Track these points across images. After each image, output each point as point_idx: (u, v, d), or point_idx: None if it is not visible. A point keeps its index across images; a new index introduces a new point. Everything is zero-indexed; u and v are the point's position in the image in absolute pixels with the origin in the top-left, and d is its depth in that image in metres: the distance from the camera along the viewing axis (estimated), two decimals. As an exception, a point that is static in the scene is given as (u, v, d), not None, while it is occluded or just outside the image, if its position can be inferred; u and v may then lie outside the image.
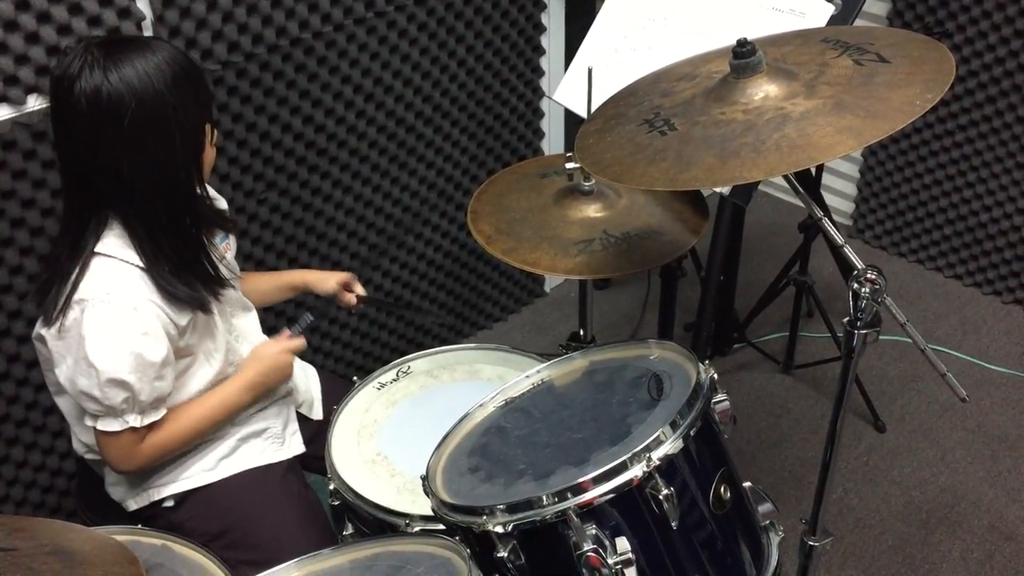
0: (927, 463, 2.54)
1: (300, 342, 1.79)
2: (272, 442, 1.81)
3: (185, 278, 1.56)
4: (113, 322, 1.47)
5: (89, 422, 1.56)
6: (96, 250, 1.50)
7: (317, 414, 1.95)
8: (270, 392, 1.79)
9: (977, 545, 2.32)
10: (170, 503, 1.71)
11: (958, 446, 2.58)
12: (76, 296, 1.48)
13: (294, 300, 2.44)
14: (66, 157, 1.51)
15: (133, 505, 1.71)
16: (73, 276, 1.49)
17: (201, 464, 1.72)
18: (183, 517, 1.71)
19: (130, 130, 1.44)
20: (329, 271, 1.99)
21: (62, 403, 1.69)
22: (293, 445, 1.85)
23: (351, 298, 1.95)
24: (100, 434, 1.56)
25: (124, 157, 1.46)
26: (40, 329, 1.55)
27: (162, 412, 1.58)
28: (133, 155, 1.46)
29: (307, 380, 1.96)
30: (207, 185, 1.63)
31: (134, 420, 1.54)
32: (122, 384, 1.49)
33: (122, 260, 1.51)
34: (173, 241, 1.55)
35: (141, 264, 1.52)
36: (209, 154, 1.59)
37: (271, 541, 1.68)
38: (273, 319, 2.43)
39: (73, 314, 1.48)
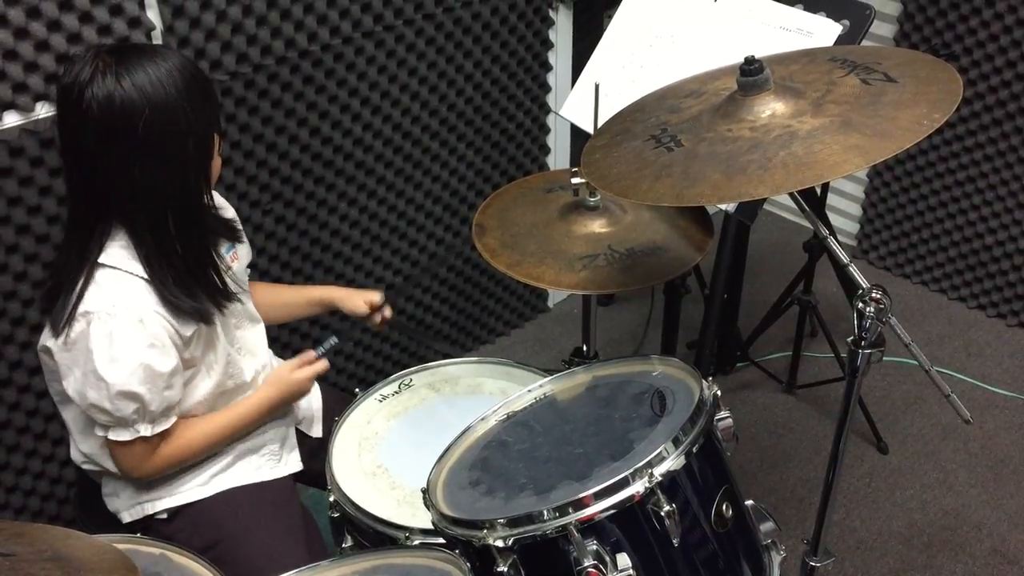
0: (929, 485, 2.53)
1: (323, 365, 1.80)
2: (268, 459, 1.80)
3: (189, 289, 1.56)
4: (120, 335, 1.47)
5: (100, 432, 1.55)
6: (100, 261, 1.50)
7: (316, 432, 1.94)
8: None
9: (979, 569, 2.30)
10: (163, 516, 1.71)
11: (961, 469, 2.57)
12: (81, 308, 1.48)
13: (323, 319, 2.45)
14: (74, 165, 1.51)
15: (127, 517, 1.71)
16: (78, 287, 1.49)
17: (196, 479, 1.71)
18: (174, 530, 1.70)
19: (143, 137, 1.43)
20: (357, 289, 1.95)
21: (66, 413, 1.68)
22: (290, 463, 1.85)
23: (378, 319, 1.93)
24: (111, 444, 1.55)
25: (136, 164, 1.45)
26: (46, 341, 1.55)
27: (172, 420, 1.58)
28: (145, 162, 1.46)
29: (309, 396, 1.95)
30: (214, 193, 1.63)
31: (144, 429, 1.53)
32: (132, 396, 1.49)
33: (126, 271, 1.51)
34: (180, 251, 1.54)
35: (145, 275, 1.51)
36: (215, 163, 1.59)
37: (258, 559, 1.67)
38: (287, 335, 2.43)
39: (79, 327, 1.47)
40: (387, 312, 1.95)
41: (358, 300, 1.92)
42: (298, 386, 1.76)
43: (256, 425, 1.73)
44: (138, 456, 1.57)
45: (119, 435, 1.53)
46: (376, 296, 1.93)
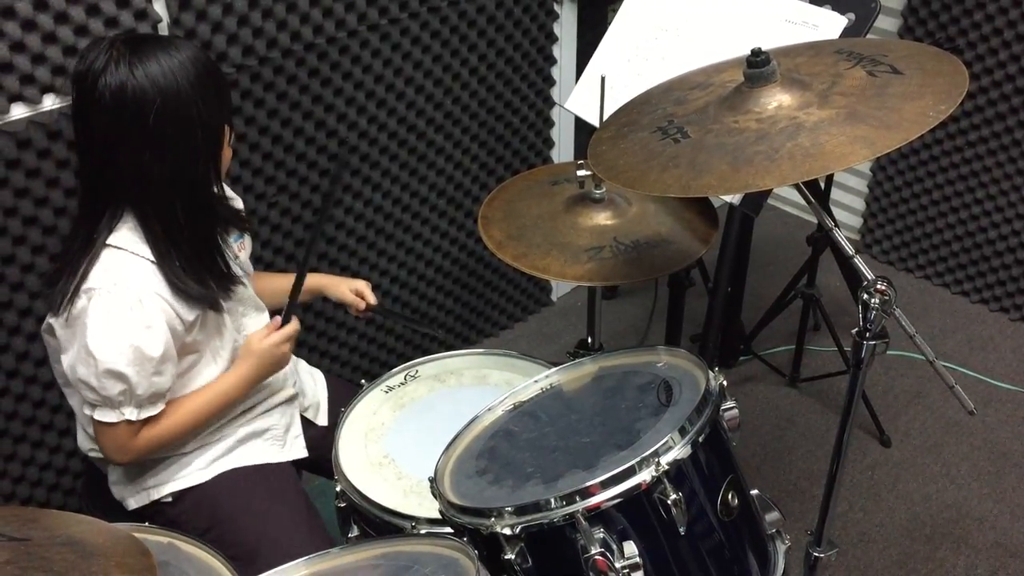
0: (932, 478, 2.54)
1: (294, 328, 1.73)
2: (272, 444, 1.81)
3: (197, 275, 1.57)
4: (116, 313, 1.48)
5: (87, 411, 1.56)
6: (108, 242, 1.51)
7: (322, 419, 1.95)
8: (265, 383, 1.77)
9: (982, 561, 2.31)
10: (168, 499, 1.72)
11: (963, 462, 2.58)
12: (85, 285, 1.49)
13: (315, 306, 2.46)
14: (86, 152, 1.52)
15: (133, 504, 1.72)
16: (83, 266, 1.50)
17: (200, 463, 1.72)
18: (177, 512, 1.72)
19: (154, 126, 1.45)
20: (343, 277, 1.99)
21: (72, 399, 1.69)
22: (294, 449, 1.85)
23: (361, 304, 1.95)
24: (96, 424, 1.56)
25: (146, 153, 1.47)
26: (49, 319, 1.56)
27: (160, 407, 1.58)
28: (155, 151, 1.47)
29: (314, 385, 1.96)
30: (224, 184, 1.63)
31: (130, 413, 1.54)
32: (119, 376, 1.49)
33: (133, 253, 1.52)
34: (189, 237, 1.55)
35: (152, 258, 1.52)
36: (226, 154, 1.60)
37: (257, 539, 1.68)
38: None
39: (80, 303, 1.49)
40: (370, 298, 1.95)
41: (343, 288, 1.95)
42: (270, 353, 1.70)
43: (236, 401, 1.71)
44: (120, 438, 1.57)
45: (105, 415, 1.53)
46: (361, 284, 1.95)
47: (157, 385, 1.55)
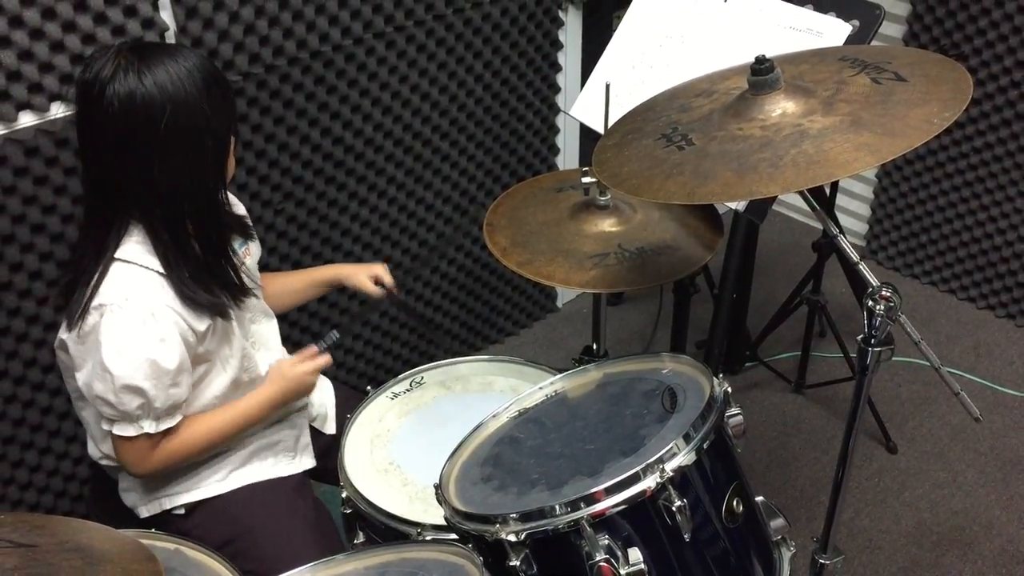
0: (938, 485, 2.53)
1: (325, 359, 1.78)
2: (284, 455, 1.81)
3: (206, 284, 1.57)
4: (130, 328, 1.48)
5: (105, 426, 1.56)
6: (116, 256, 1.51)
7: (330, 428, 1.95)
8: (288, 407, 1.80)
9: (989, 568, 2.30)
10: (180, 511, 1.72)
11: (970, 468, 2.57)
12: (95, 301, 1.49)
13: (322, 313, 2.47)
14: (92, 161, 1.52)
15: (145, 512, 1.72)
16: (94, 281, 1.50)
17: (213, 475, 1.73)
18: (191, 525, 1.72)
19: (164, 134, 1.45)
20: (361, 264, 1.97)
21: (85, 411, 1.69)
22: (304, 459, 1.86)
23: (379, 292, 1.93)
24: (115, 438, 1.56)
25: (155, 161, 1.47)
26: (62, 335, 1.56)
27: (177, 418, 1.59)
28: (164, 159, 1.47)
29: (322, 394, 1.96)
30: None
31: (149, 426, 1.54)
32: (137, 390, 1.49)
33: (142, 266, 1.52)
34: (197, 247, 1.56)
35: (162, 270, 1.52)
36: (230, 163, 1.60)
37: (275, 554, 1.68)
38: (287, 328, 2.44)
39: (92, 319, 1.49)
40: (387, 280, 1.94)
41: (362, 277, 1.94)
42: (299, 381, 1.74)
43: (258, 422, 1.73)
44: (140, 452, 1.57)
45: (123, 430, 1.54)
46: (379, 268, 1.94)
47: (174, 397, 1.55)
